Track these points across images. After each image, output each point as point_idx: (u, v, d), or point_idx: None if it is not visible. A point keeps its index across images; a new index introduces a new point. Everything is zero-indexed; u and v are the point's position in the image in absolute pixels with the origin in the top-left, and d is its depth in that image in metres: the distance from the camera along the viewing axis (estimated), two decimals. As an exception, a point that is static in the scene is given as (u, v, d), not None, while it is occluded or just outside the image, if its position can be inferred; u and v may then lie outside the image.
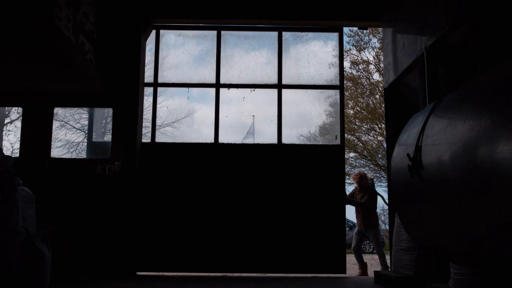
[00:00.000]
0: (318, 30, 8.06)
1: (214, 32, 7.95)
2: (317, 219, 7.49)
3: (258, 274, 7.41)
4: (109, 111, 7.83)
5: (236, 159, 7.60)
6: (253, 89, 7.86)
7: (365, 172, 8.88)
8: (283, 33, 7.99)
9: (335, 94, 8.05)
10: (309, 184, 7.55)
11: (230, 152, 7.63)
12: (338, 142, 7.76)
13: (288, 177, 7.56)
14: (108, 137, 7.61)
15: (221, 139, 7.72)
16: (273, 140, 7.74)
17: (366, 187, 8.18)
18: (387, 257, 7.79)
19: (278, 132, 7.72)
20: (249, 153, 7.63)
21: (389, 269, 7.73)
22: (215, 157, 7.59)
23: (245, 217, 7.44)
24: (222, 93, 7.87)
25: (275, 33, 7.98)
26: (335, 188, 7.57)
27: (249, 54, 8.12)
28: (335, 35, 8.05)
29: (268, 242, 7.39)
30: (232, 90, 7.89)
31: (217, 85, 7.82)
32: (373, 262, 12.43)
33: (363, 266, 8.08)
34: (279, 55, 7.92)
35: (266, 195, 7.50)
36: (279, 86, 7.85)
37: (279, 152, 7.65)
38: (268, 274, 7.39)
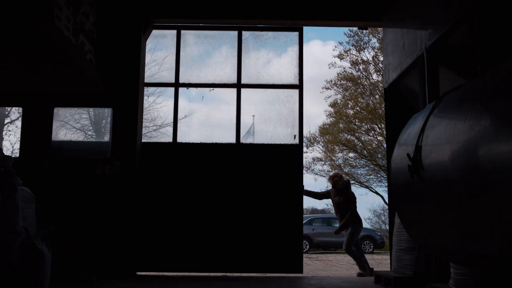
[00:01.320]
0: (278, 30, 8.03)
1: (174, 32, 7.93)
2: (276, 219, 7.45)
3: (237, 274, 7.41)
4: (109, 111, 7.83)
5: (196, 158, 7.58)
6: (212, 88, 7.87)
7: (341, 173, 8.76)
8: (243, 32, 7.95)
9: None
10: (269, 184, 7.52)
11: (188, 151, 7.60)
12: (296, 141, 7.71)
13: (248, 177, 7.53)
14: (108, 137, 7.61)
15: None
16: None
17: (341, 188, 8.09)
18: (387, 257, 7.78)
19: (236, 131, 7.70)
20: (208, 153, 7.60)
21: (365, 269, 7.71)
22: (174, 157, 7.58)
23: (211, 218, 7.44)
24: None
25: (235, 32, 7.95)
26: (293, 187, 7.54)
27: (209, 53, 8.16)
28: (295, 34, 8.00)
29: (230, 242, 7.36)
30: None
31: (176, 85, 7.82)
32: (373, 262, 12.44)
33: (360, 264, 7.93)
34: (238, 54, 7.89)
35: (228, 195, 7.46)
36: (238, 85, 7.83)
37: (237, 152, 7.62)
38: (235, 274, 7.40)
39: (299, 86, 7.86)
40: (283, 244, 7.41)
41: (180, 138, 7.71)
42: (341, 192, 8.09)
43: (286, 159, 7.60)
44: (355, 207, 8.11)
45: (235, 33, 7.95)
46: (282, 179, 7.54)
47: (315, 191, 8.51)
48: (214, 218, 7.44)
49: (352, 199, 8.12)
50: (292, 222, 7.47)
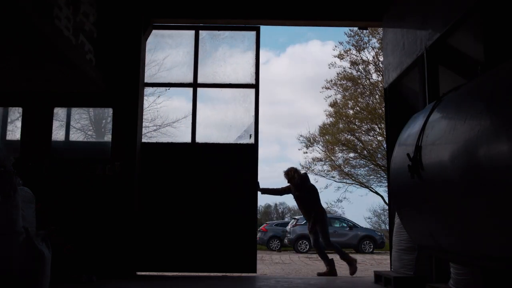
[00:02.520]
0: (235, 29, 8.00)
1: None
2: (232, 219, 7.42)
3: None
4: (109, 111, 7.83)
5: (156, 158, 7.56)
6: (168, 88, 7.87)
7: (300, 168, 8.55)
8: (200, 31, 7.92)
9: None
10: (225, 184, 7.49)
11: (149, 151, 7.59)
12: (252, 141, 7.68)
13: (205, 177, 7.50)
14: (108, 137, 7.61)
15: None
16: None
17: (298, 183, 7.87)
18: (387, 257, 7.77)
19: (192, 131, 7.68)
20: (167, 153, 7.58)
21: (332, 269, 7.64)
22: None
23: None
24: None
25: (192, 32, 7.93)
26: (248, 187, 7.51)
27: (166, 52, 8.14)
28: (253, 33, 7.97)
29: (193, 242, 7.35)
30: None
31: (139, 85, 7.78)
32: (373, 262, 12.45)
33: (329, 263, 7.81)
34: (195, 54, 7.86)
35: (189, 196, 7.44)
36: (195, 85, 7.82)
37: (193, 151, 7.62)
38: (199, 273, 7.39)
39: (255, 86, 7.84)
40: (237, 244, 7.36)
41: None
42: (299, 187, 7.89)
43: (242, 158, 7.57)
44: (319, 199, 7.95)
45: (193, 32, 7.91)
46: (238, 179, 7.50)
47: (273, 187, 8.21)
48: (181, 219, 7.42)
49: (313, 191, 7.93)
50: (246, 221, 7.43)
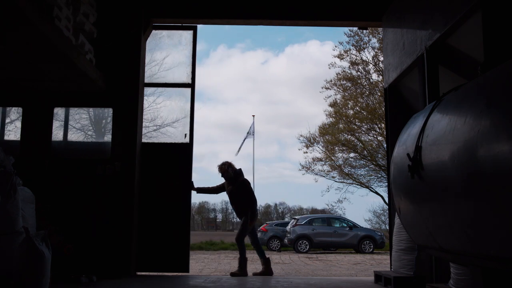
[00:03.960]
0: (172, 28, 8.00)
1: None
2: (167, 218, 7.40)
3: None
4: (109, 111, 7.83)
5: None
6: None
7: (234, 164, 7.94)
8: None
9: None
10: (163, 183, 7.48)
11: (75, 151, 7.59)
12: (187, 140, 7.68)
13: (147, 176, 7.49)
14: (108, 137, 7.62)
15: (221, 140, 7.71)
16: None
17: (231, 177, 7.71)
18: (387, 257, 7.75)
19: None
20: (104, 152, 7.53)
21: (267, 263, 7.52)
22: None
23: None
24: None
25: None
26: (182, 186, 7.49)
27: None
28: (190, 33, 7.96)
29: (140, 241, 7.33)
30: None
31: None
32: (373, 262, 12.45)
33: (265, 261, 7.65)
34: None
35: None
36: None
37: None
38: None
39: (191, 85, 7.85)
40: (171, 243, 7.34)
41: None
42: (233, 181, 7.73)
43: (177, 158, 7.56)
44: (253, 194, 7.73)
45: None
46: (173, 178, 7.49)
47: (208, 186, 8.10)
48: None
49: (245, 186, 7.73)
50: (180, 220, 7.42)
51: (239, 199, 7.73)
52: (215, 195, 8.56)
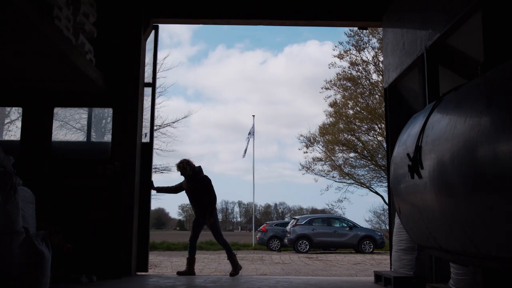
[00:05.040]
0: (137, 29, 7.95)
1: None
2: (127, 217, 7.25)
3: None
4: (109, 111, 7.83)
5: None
6: None
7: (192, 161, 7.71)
8: None
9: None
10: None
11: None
12: (147, 139, 7.63)
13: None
14: (108, 137, 7.61)
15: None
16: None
17: (190, 175, 7.52)
18: (387, 257, 7.74)
19: (87, 130, 7.72)
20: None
21: (235, 263, 7.37)
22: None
23: None
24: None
25: None
26: (143, 185, 7.44)
27: None
28: (151, 32, 7.92)
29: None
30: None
31: None
32: (373, 262, 12.44)
33: (190, 260, 7.43)
34: None
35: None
36: None
37: (87, 150, 7.62)
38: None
39: (153, 85, 7.86)
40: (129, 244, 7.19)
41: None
42: (192, 179, 7.55)
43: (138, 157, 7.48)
44: (213, 191, 7.48)
45: None
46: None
47: (167, 186, 7.91)
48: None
49: (205, 182, 7.50)
50: (140, 220, 7.35)
51: (198, 197, 7.50)
52: (174, 195, 8.40)
